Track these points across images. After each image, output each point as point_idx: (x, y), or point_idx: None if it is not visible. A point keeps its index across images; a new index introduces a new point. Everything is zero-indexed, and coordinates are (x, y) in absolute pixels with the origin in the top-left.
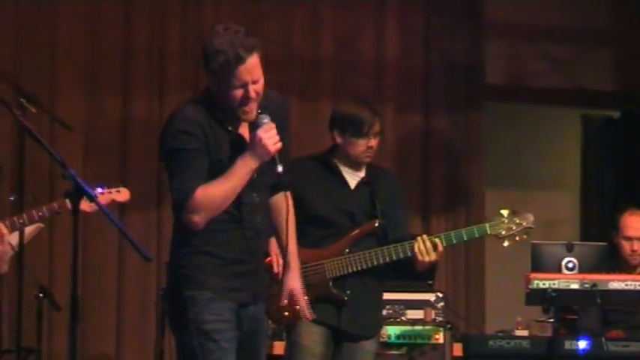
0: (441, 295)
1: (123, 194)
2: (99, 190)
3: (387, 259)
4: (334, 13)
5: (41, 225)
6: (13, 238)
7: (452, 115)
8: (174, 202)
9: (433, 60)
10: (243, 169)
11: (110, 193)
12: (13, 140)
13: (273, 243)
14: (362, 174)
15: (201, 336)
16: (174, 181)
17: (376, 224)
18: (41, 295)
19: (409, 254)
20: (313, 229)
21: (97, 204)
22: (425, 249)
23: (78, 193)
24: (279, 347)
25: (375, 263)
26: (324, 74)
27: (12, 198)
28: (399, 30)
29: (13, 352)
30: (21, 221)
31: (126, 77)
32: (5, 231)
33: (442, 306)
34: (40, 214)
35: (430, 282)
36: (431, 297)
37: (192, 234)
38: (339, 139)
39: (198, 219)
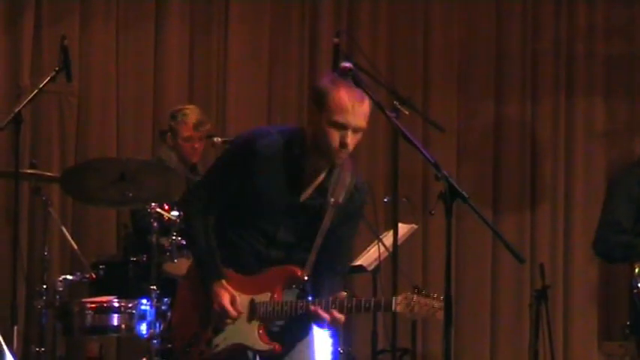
0: None
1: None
2: None
3: None
4: None
5: (415, 226)
6: (387, 240)
7: None
8: None
9: None
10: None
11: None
12: (387, 142)
13: None
14: None
15: None
16: None
17: None
18: None
19: None
20: None
21: (471, 206)
22: None
23: (451, 195)
24: None
25: None
26: None
27: (386, 199)
28: None
29: (388, 352)
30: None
31: (498, 79)
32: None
33: None
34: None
35: None
36: None
37: None
38: None
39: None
